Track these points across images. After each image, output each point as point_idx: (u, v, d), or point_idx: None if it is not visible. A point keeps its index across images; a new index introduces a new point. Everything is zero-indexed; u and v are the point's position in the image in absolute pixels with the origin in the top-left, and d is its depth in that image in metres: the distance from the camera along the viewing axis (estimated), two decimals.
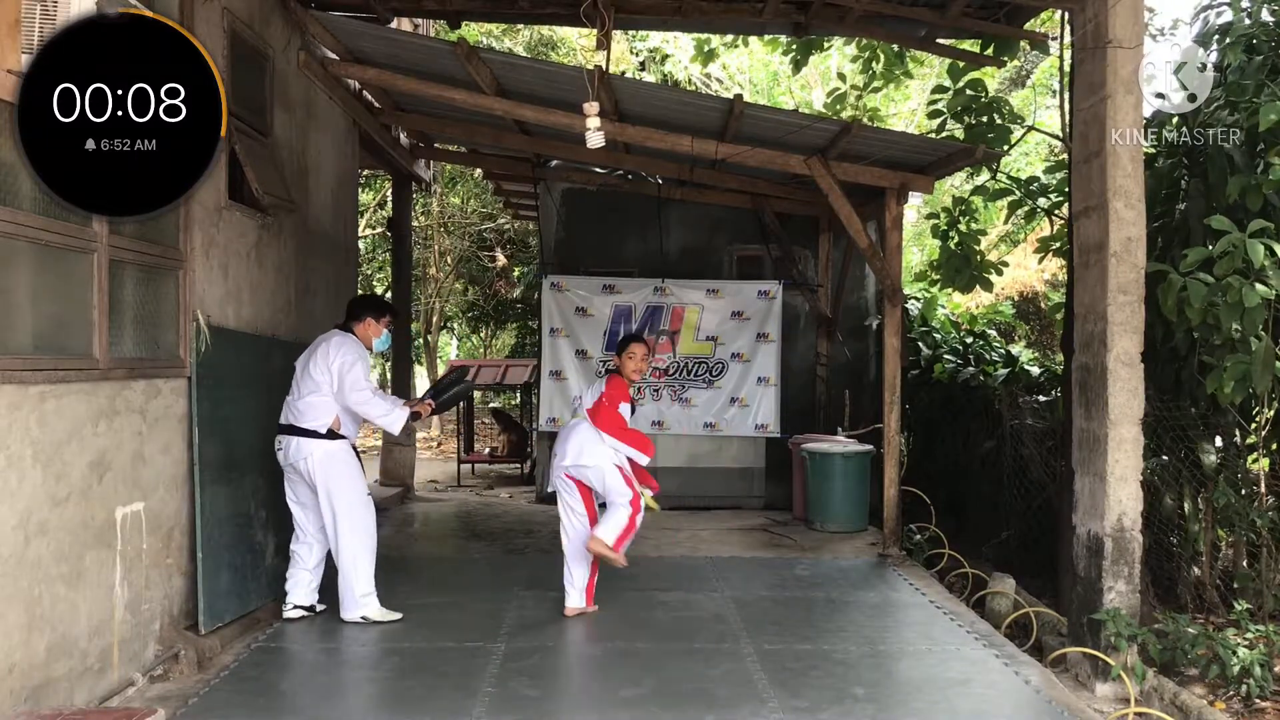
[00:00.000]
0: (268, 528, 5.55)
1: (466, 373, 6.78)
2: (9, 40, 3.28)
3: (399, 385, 11.19)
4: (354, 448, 5.41)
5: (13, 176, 3.44)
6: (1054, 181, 7.69)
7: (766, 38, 9.84)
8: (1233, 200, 5.40)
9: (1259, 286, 4.84)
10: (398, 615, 5.34)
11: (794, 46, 8.94)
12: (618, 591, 6.01)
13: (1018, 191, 7.73)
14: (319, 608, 5.46)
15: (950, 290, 8.87)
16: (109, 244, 4.08)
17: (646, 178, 9.84)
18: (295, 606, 5.36)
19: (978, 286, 8.28)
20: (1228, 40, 5.85)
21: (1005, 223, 10.43)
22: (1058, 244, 7.19)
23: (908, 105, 16.71)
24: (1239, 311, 4.86)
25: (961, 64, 7.49)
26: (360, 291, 9.90)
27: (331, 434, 5.21)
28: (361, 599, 5.27)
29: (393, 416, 5.35)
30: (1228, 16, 6.02)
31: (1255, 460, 5.97)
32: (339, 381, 5.19)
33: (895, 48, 8.72)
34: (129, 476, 4.27)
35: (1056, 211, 7.49)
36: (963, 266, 8.12)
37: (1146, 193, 4.91)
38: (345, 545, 5.22)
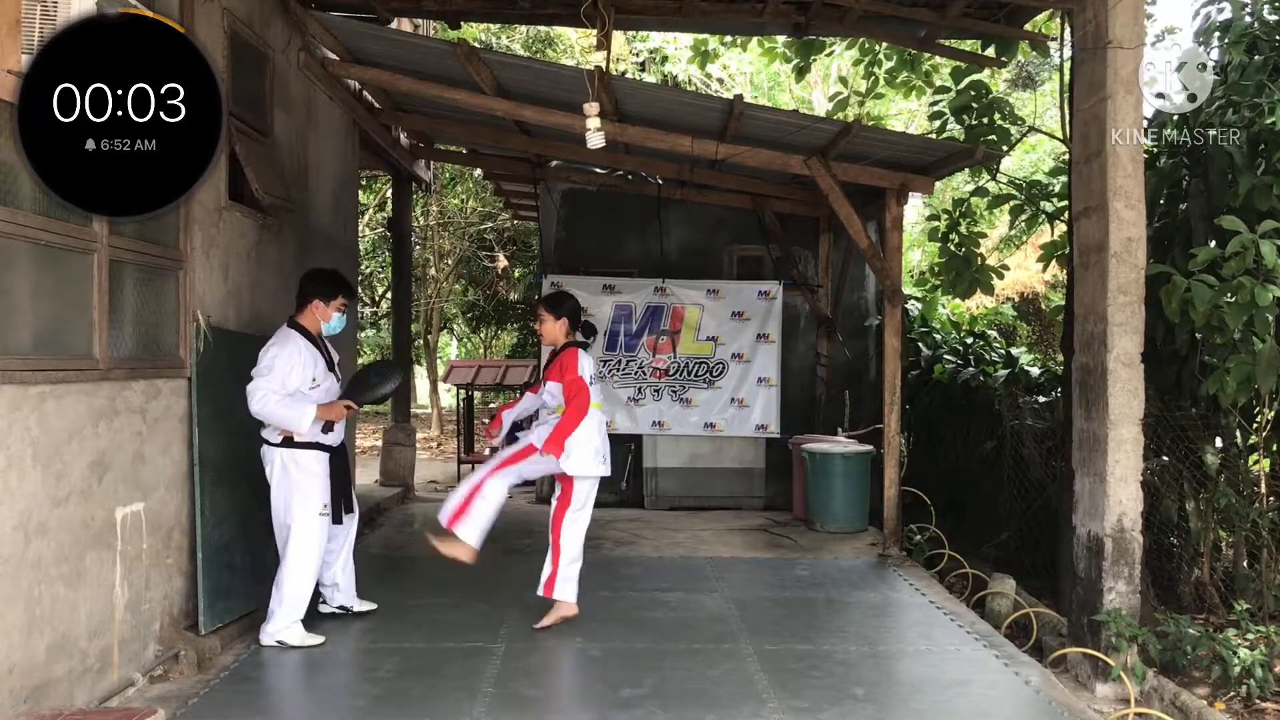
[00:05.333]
0: (268, 528, 5.53)
1: (395, 370, 5.83)
2: (9, 40, 3.27)
3: (399, 387, 11.11)
4: (331, 451, 5.05)
5: (13, 176, 3.44)
6: (1055, 185, 7.67)
7: (765, 46, 9.82)
8: (1241, 201, 5.39)
9: (1270, 286, 4.83)
10: (320, 639, 4.95)
11: (796, 54, 8.93)
12: (618, 591, 6.01)
13: (1018, 196, 7.71)
14: (357, 607, 5.41)
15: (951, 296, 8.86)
16: (109, 244, 4.07)
17: (646, 178, 9.84)
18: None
19: (978, 290, 8.27)
20: (1228, 39, 5.85)
21: (1011, 228, 10.41)
22: (1061, 250, 7.16)
23: (908, 106, 16.70)
24: (1246, 312, 4.84)
25: (964, 65, 7.49)
26: (359, 291, 9.81)
27: (289, 442, 4.91)
28: (285, 625, 4.89)
29: (292, 421, 4.79)
30: (1229, 14, 6.01)
31: (1256, 461, 5.96)
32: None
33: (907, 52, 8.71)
34: (129, 476, 4.27)
35: (1060, 217, 7.46)
36: (963, 269, 8.10)
37: (1147, 193, 4.91)
38: (284, 562, 4.94)
